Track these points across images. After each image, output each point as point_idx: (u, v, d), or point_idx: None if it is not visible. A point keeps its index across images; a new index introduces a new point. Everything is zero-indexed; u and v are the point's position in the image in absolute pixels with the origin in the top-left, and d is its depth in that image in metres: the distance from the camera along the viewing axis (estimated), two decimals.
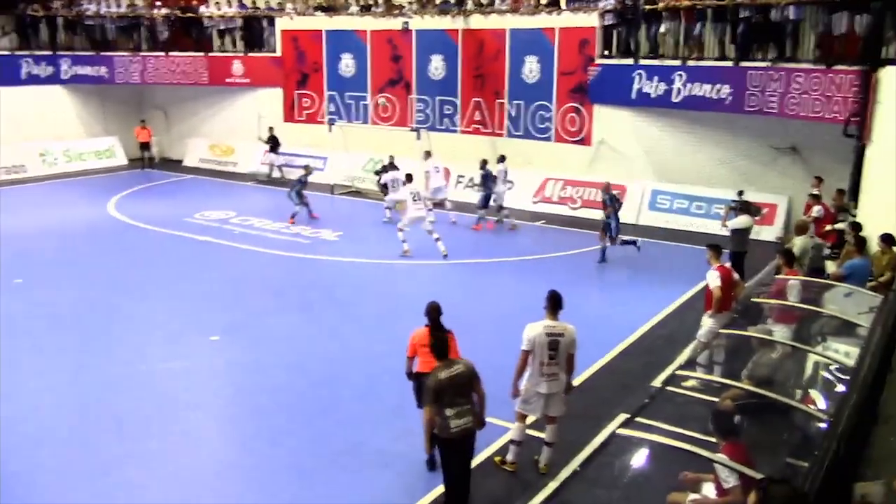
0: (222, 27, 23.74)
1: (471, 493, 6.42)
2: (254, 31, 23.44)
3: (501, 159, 16.97)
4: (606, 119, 18.41)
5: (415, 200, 14.38)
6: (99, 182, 22.18)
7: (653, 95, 17.21)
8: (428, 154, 17.93)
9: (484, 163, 16.64)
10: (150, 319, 11.17)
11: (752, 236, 12.94)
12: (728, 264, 9.44)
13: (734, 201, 14.03)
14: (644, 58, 17.44)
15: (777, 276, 9.72)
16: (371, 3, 21.93)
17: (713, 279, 8.85)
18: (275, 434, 7.90)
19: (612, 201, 14.17)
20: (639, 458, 5.74)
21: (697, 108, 16.62)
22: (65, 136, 23.75)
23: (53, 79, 23.26)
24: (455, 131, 20.57)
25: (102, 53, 23.84)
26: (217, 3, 23.90)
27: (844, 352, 7.19)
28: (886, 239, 9.77)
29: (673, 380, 7.50)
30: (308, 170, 17.50)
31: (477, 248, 15.41)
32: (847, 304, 8.60)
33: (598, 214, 15.40)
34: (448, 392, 6.03)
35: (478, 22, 19.85)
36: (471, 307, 11.30)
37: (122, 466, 7.27)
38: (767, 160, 16.57)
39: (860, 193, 13.01)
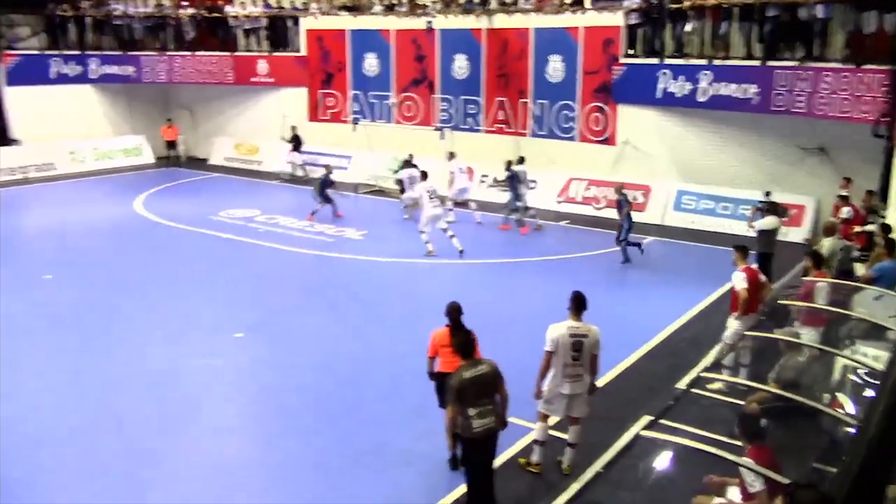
0: (248, 27, 23.90)
1: (495, 494, 6.42)
2: (278, 30, 23.59)
3: (521, 161, 16.94)
4: (631, 119, 18.30)
5: (431, 198, 14.37)
6: (126, 180, 22.48)
7: (678, 95, 17.08)
8: (452, 155, 17.92)
9: (509, 164, 16.61)
10: (176, 315, 11.28)
11: (780, 238, 12.84)
12: (755, 266, 9.36)
13: (761, 202, 13.85)
14: (669, 57, 17.31)
15: (805, 279, 9.61)
16: (395, 2, 21.95)
17: (739, 281, 8.79)
18: (302, 433, 7.97)
19: (625, 202, 14.08)
20: (663, 461, 5.68)
21: (723, 107, 16.48)
22: (93, 134, 24.07)
23: (82, 78, 23.61)
24: (479, 131, 20.56)
25: (130, 53, 24.13)
26: (242, 2, 24.05)
27: (873, 355, 7.10)
28: None
29: (698, 382, 7.47)
30: (329, 169, 17.65)
31: (501, 247, 15.40)
32: (876, 308, 8.46)
33: None
34: (471, 391, 6.04)
35: (502, 21, 19.81)
36: (494, 307, 11.31)
37: (159, 462, 7.38)
38: (794, 160, 16.36)
39: (890, 194, 12.81)
